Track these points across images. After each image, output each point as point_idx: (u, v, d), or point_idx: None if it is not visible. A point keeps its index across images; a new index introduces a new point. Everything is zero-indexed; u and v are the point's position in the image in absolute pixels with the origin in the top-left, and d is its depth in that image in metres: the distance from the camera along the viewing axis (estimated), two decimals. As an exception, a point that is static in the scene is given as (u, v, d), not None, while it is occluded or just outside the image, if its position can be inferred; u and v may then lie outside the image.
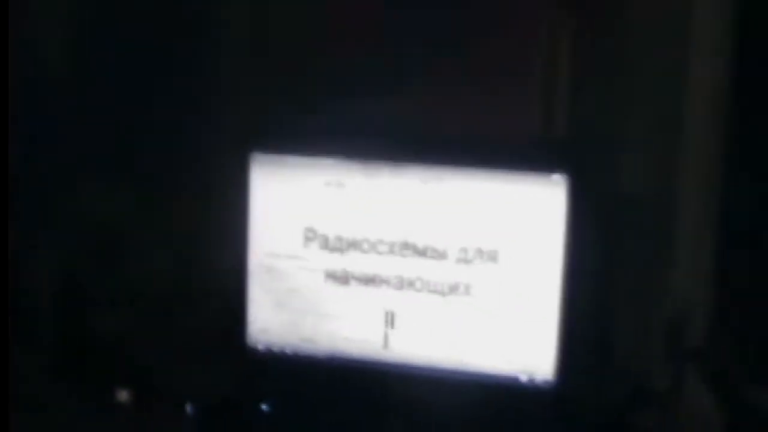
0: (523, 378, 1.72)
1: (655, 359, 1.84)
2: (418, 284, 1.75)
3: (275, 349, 1.83)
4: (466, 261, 1.72)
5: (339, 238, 1.78)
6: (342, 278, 1.78)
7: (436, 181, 1.72)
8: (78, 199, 2.02)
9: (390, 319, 1.77)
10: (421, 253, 1.74)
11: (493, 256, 1.71)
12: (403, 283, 1.75)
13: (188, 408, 1.79)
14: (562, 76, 1.86)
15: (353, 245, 1.77)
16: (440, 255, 1.73)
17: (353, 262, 1.77)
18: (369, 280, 1.77)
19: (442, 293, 1.74)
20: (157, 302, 1.99)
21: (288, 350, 1.82)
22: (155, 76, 2.01)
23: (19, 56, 1.99)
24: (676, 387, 1.76)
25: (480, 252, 1.72)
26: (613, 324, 1.84)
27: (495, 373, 1.73)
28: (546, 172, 1.68)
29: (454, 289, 1.73)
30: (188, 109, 1.99)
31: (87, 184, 2.02)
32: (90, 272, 2.02)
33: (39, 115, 2.02)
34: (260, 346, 1.84)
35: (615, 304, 1.84)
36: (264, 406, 1.79)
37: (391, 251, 1.75)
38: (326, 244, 1.78)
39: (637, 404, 1.80)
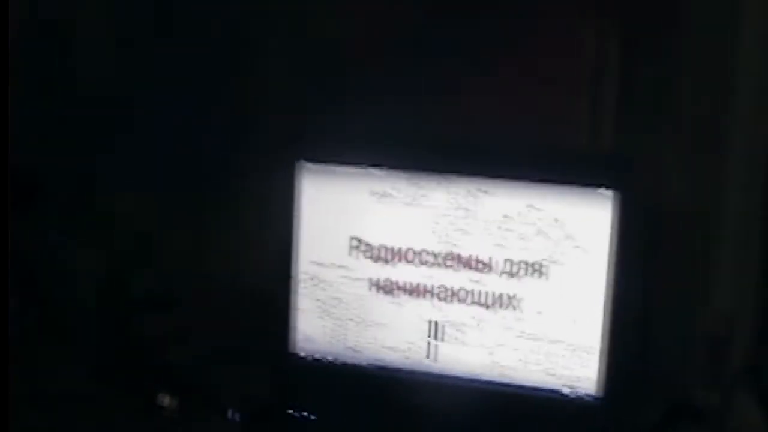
0: (567, 391, 1.73)
1: (699, 375, 1.84)
2: (463, 295, 1.76)
3: (319, 357, 1.85)
4: (512, 274, 1.74)
5: (385, 248, 1.80)
6: (387, 288, 1.80)
7: (482, 192, 1.73)
8: (125, 204, 2.05)
9: (435, 330, 1.78)
10: (467, 264, 1.76)
11: (538, 269, 1.73)
12: (449, 294, 1.77)
13: (231, 414, 1.81)
14: (610, 89, 1.87)
15: (399, 255, 1.79)
16: (486, 267, 1.75)
17: (399, 272, 1.79)
18: (414, 291, 1.79)
19: (488, 305, 1.76)
20: (202, 308, 2.02)
21: (332, 358, 1.84)
22: (202, 85, 2.04)
23: (70, 59, 2.02)
24: (723, 404, 1.76)
25: (526, 265, 1.73)
26: (657, 339, 1.85)
27: (539, 386, 1.74)
28: (593, 186, 1.69)
29: (499, 301, 1.75)
30: (237, 117, 2.02)
31: (134, 189, 2.05)
32: (135, 277, 2.05)
33: (88, 118, 2.05)
34: (304, 354, 1.86)
35: (660, 319, 1.85)
36: (307, 414, 1.80)
37: (437, 262, 1.77)
38: (372, 254, 1.80)
39: (680, 421, 1.80)
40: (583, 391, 1.73)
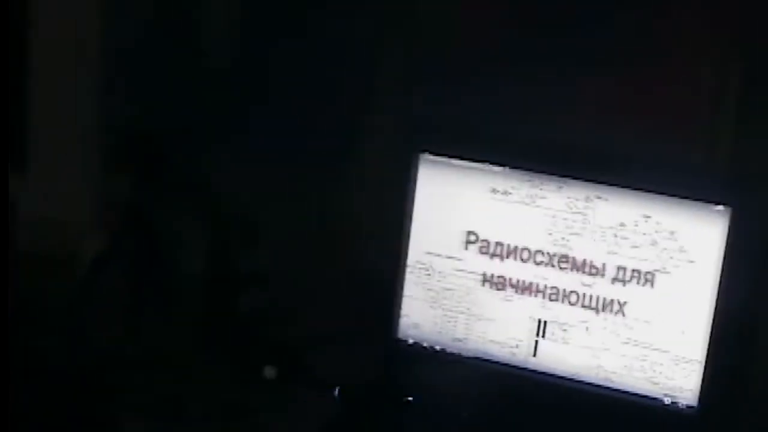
0: (667, 401, 1.81)
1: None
2: (573, 297, 1.84)
3: (425, 344, 1.94)
4: (623, 280, 1.81)
5: (499, 244, 1.88)
6: (498, 284, 1.88)
7: (600, 199, 1.81)
8: (239, 182, 2.13)
9: (542, 329, 1.86)
10: (580, 268, 1.84)
11: (649, 279, 1.80)
12: (559, 295, 1.85)
13: (336, 391, 1.89)
14: (731, 107, 1.92)
15: (512, 253, 1.87)
16: (598, 272, 1.82)
17: (511, 269, 1.88)
18: (525, 289, 1.87)
19: (596, 309, 1.83)
20: (314, 286, 2.09)
21: (438, 347, 1.93)
22: (328, 71, 2.12)
23: (197, 41, 2.12)
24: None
25: (637, 273, 1.80)
26: (758, 359, 1.90)
27: (640, 393, 1.82)
28: (710, 202, 1.76)
29: (607, 306, 1.83)
30: (361, 102, 2.10)
31: (254, 168, 2.13)
32: (247, 253, 2.12)
33: (213, 95, 2.14)
34: (410, 340, 1.95)
35: (762, 338, 1.90)
36: (410, 399, 1.88)
37: (550, 263, 1.85)
38: (486, 249, 1.88)
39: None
40: (684, 402, 1.80)
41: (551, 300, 1.86)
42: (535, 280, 1.87)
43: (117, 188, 2.08)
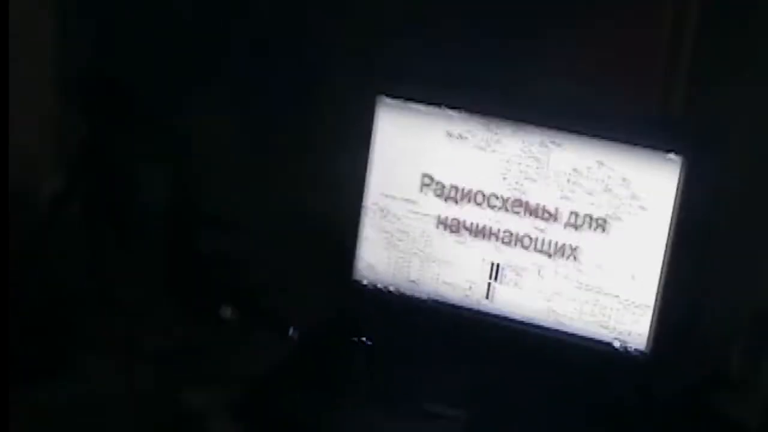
0: (617, 344, 1.84)
1: (743, 347, 1.93)
2: (526, 242, 1.87)
3: (380, 286, 1.97)
4: (576, 226, 1.84)
5: (454, 188, 1.91)
6: (453, 227, 1.91)
7: (555, 145, 1.84)
8: (200, 124, 2.14)
9: (496, 272, 1.89)
10: (533, 212, 1.87)
11: (601, 225, 1.83)
12: (513, 239, 1.88)
13: (291, 331, 1.92)
14: (688, 56, 1.94)
15: (467, 196, 1.90)
16: (551, 217, 1.85)
17: (466, 213, 1.91)
18: (479, 232, 1.90)
19: (549, 254, 1.86)
20: (271, 228, 2.12)
21: (393, 289, 1.96)
22: (288, 15, 2.14)
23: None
24: (763, 377, 1.85)
25: (590, 219, 1.83)
26: (707, 306, 1.93)
27: (591, 337, 1.86)
28: (663, 150, 1.79)
29: (560, 251, 1.86)
30: (321, 45, 2.11)
31: (214, 111, 2.15)
32: (206, 194, 2.16)
33: (181, 40, 2.15)
34: (366, 282, 1.97)
35: (712, 287, 1.93)
36: (364, 340, 1.91)
37: (504, 207, 1.88)
38: (441, 193, 1.91)
39: (719, 389, 1.89)
40: (633, 346, 1.84)
41: (505, 244, 1.89)
42: (489, 224, 1.90)
43: (79, 127, 2.09)
